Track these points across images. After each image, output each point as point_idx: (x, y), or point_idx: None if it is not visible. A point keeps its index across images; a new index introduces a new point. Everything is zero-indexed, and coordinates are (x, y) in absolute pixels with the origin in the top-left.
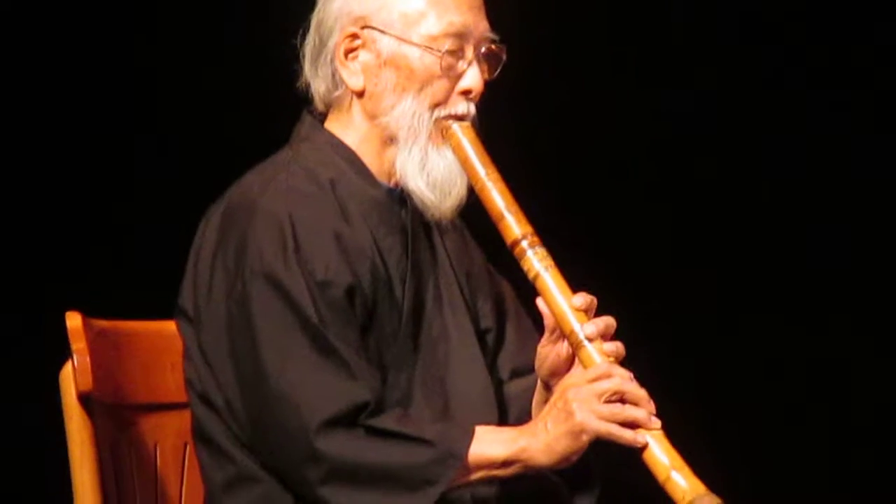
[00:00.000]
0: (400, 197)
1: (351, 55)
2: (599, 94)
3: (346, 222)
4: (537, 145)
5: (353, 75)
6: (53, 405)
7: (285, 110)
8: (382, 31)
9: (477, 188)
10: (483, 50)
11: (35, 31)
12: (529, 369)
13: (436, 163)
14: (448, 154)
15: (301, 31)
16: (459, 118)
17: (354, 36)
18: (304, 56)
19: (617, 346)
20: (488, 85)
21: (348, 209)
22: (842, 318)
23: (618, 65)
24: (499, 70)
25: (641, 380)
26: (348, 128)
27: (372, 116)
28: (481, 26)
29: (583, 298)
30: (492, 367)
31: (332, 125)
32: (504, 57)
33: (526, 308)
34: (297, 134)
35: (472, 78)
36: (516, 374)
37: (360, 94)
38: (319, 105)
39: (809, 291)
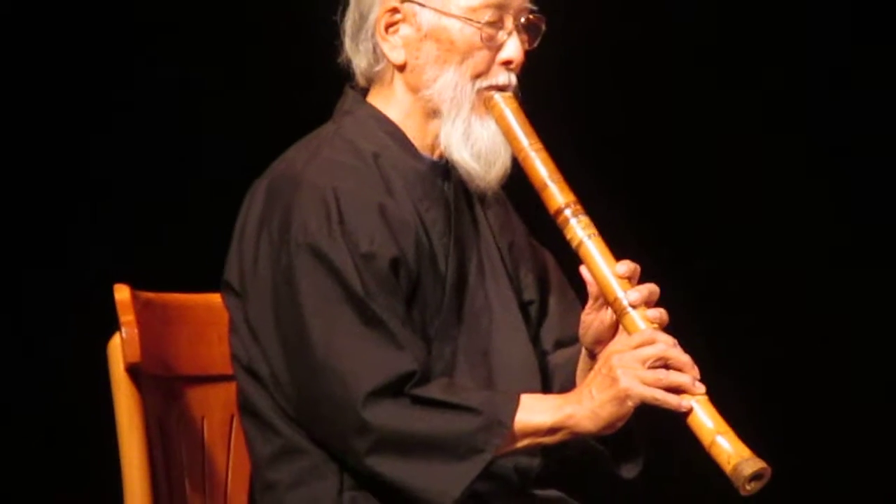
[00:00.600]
0: (443, 170)
1: (391, 29)
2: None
3: (389, 195)
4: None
5: (394, 49)
6: (102, 376)
7: (330, 85)
8: (422, 5)
9: (520, 158)
10: (522, 20)
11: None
12: (573, 340)
13: (480, 133)
14: (491, 124)
15: (340, 8)
16: (501, 88)
17: (395, 10)
18: (344, 32)
19: (661, 313)
20: (529, 55)
21: (392, 182)
22: None
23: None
24: (539, 40)
25: (685, 346)
26: (390, 102)
27: (414, 90)
28: None
29: (626, 266)
30: (535, 338)
31: (374, 99)
32: (544, 27)
33: (569, 278)
34: (340, 108)
35: (513, 48)
36: (560, 344)
37: (402, 68)
38: (361, 80)
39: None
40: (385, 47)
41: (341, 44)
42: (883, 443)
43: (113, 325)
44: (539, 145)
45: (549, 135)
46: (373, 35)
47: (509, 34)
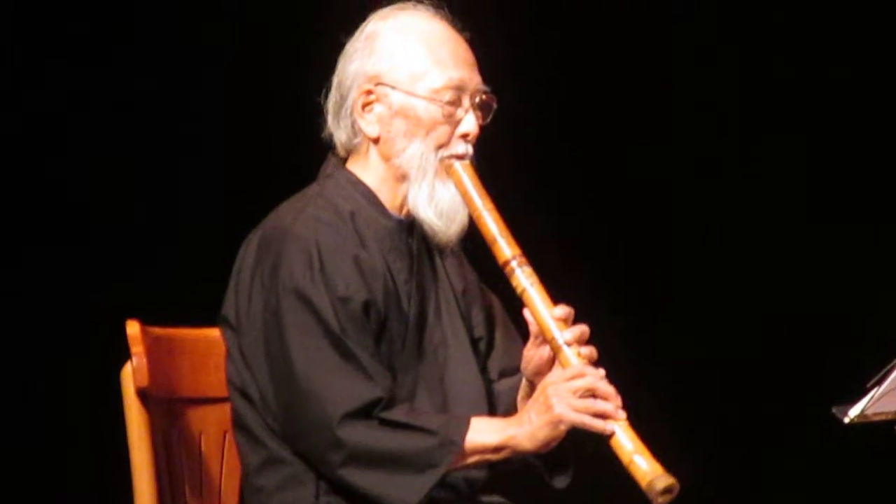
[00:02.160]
0: (408, 226)
1: (367, 108)
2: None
3: (363, 247)
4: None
5: (369, 125)
6: (115, 399)
7: (316, 152)
8: (393, 87)
9: (475, 216)
10: (477, 100)
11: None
12: (515, 370)
13: (442, 195)
14: (452, 188)
15: (324, 91)
16: (460, 157)
17: (369, 92)
18: (327, 111)
19: (590, 350)
20: (483, 128)
21: (365, 236)
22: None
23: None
24: (491, 116)
25: (612, 377)
26: (366, 168)
27: (387, 158)
28: (476, 80)
29: (562, 309)
30: (483, 368)
31: (352, 166)
32: (495, 105)
33: (512, 318)
34: (323, 172)
35: (469, 123)
36: (504, 374)
37: (376, 141)
38: (341, 151)
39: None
40: (362, 123)
41: (325, 121)
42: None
43: (125, 355)
44: (491, 205)
45: (500, 196)
46: (351, 113)
47: (466, 111)
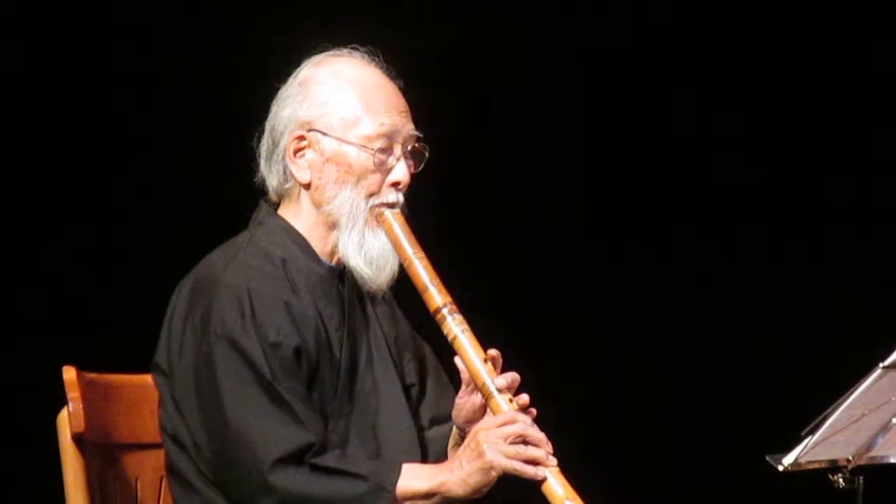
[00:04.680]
0: (340, 273)
1: (299, 154)
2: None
3: (294, 294)
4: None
5: (300, 170)
6: (51, 444)
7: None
8: (325, 133)
9: (406, 264)
10: (409, 148)
11: None
12: (446, 417)
13: (372, 243)
14: (382, 236)
15: (256, 136)
16: (390, 206)
17: (301, 137)
18: (259, 155)
19: (522, 396)
20: (414, 177)
21: (296, 283)
22: None
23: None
24: (423, 164)
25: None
26: (298, 215)
27: (317, 205)
28: (408, 127)
29: (492, 354)
30: (415, 415)
31: (284, 212)
32: (427, 154)
33: (444, 365)
34: (255, 219)
35: (401, 172)
36: (435, 421)
37: (307, 187)
38: (273, 196)
39: None
40: (293, 168)
41: (257, 165)
42: None
43: (61, 401)
44: (422, 254)
45: (430, 243)
46: (283, 158)
47: (398, 159)
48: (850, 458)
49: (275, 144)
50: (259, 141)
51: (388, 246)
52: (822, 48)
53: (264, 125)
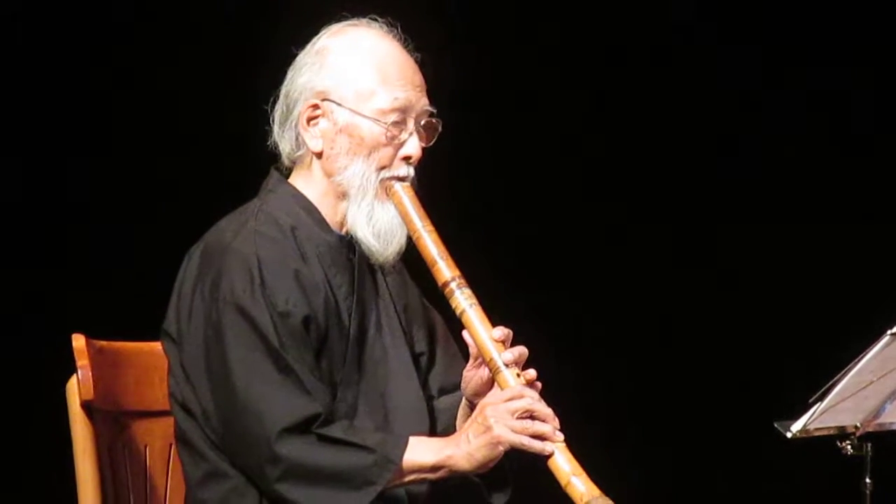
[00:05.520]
0: (349, 242)
1: (312, 122)
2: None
3: (304, 262)
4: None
5: (313, 139)
6: (61, 412)
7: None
8: (339, 104)
9: (414, 238)
10: (423, 122)
11: None
12: (455, 387)
13: (380, 216)
14: (391, 209)
15: (272, 100)
16: (401, 179)
17: (316, 106)
18: (273, 120)
19: (529, 371)
20: (426, 150)
21: (306, 251)
22: None
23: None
24: (435, 138)
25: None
26: (309, 183)
27: (328, 174)
28: (422, 102)
29: (501, 331)
30: (424, 385)
31: (295, 180)
32: (440, 128)
33: (453, 336)
34: (265, 186)
35: (412, 146)
36: (444, 391)
37: (319, 155)
38: (286, 161)
39: None
40: (306, 136)
41: (271, 129)
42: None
43: (71, 368)
44: (431, 227)
45: (440, 218)
46: (296, 125)
47: (410, 134)
48: (859, 424)
49: (289, 111)
50: (273, 106)
51: (397, 219)
52: None
53: (280, 90)
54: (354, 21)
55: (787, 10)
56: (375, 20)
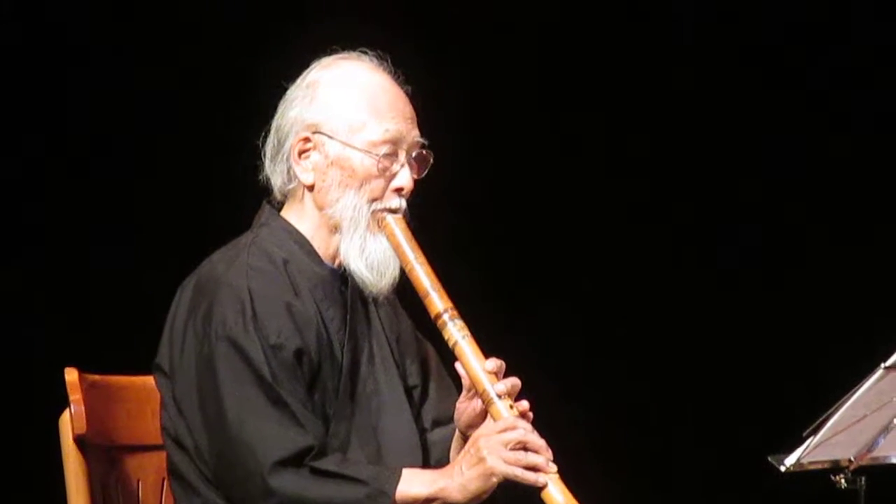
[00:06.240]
0: (342, 276)
1: (304, 155)
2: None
3: (296, 295)
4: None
5: (304, 172)
6: (53, 446)
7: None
8: (330, 137)
9: (407, 269)
10: (414, 154)
11: None
12: (448, 419)
13: (373, 248)
14: (383, 241)
15: (263, 134)
16: (393, 211)
17: (307, 139)
18: (265, 154)
19: (522, 403)
20: (418, 182)
21: (298, 285)
22: None
23: None
24: (427, 170)
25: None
26: (301, 216)
27: (320, 207)
28: (413, 134)
29: (494, 363)
30: (417, 417)
31: (287, 213)
32: (431, 160)
33: (446, 367)
34: (258, 220)
35: (404, 178)
36: (437, 423)
37: (311, 188)
38: (278, 195)
39: None
40: (297, 170)
41: (262, 164)
42: None
43: (63, 403)
44: (423, 259)
45: (431, 249)
46: (288, 158)
47: (402, 166)
48: (852, 458)
49: (280, 144)
50: (265, 139)
51: (390, 251)
52: None
53: (271, 123)
54: (344, 54)
55: None
56: (365, 53)
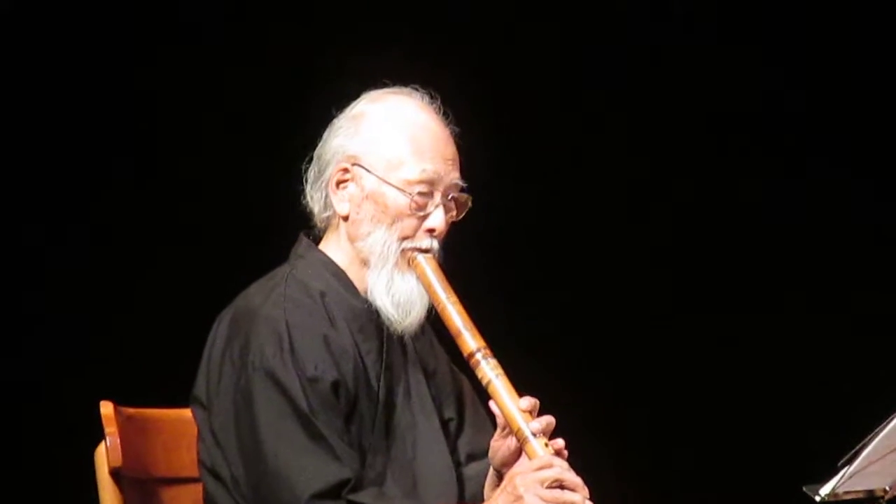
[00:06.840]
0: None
1: (341, 185)
2: None
3: (333, 328)
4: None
5: (341, 202)
6: (89, 480)
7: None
8: (368, 170)
9: (439, 309)
10: (451, 196)
11: None
12: (483, 454)
13: (399, 286)
14: (411, 279)
15: (307, 160)
16: (424, 251)
17: (346, 170)
18: (307, 180)
19: (557, 441)
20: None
21: (335, 317)
22: None
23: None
24: (464, 213)
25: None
26: (337, 248)
27: (352, 240)
28: (452, 176)
29: (528, 401)
30: (453, 451)
31: (325, 244)
32: (469, 204)
33: (481, 403)
34: (295, 252)
35: (437, 220)
36: (472, 458)
37: (346, 219)
38: (316, 221)
39: None
40: (334, 199)
41: (304, 189)
42: None
43: (99, 436)
44: (455, 298)
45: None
46: (326, 186)
47: (436, 207)
48: (888, 488)
49: (321, 172)
50: (308, 166)
51: (417, 290)
52: None
53: (316, 150)
54: (395, 89)
55: None
56: (416, 90)
